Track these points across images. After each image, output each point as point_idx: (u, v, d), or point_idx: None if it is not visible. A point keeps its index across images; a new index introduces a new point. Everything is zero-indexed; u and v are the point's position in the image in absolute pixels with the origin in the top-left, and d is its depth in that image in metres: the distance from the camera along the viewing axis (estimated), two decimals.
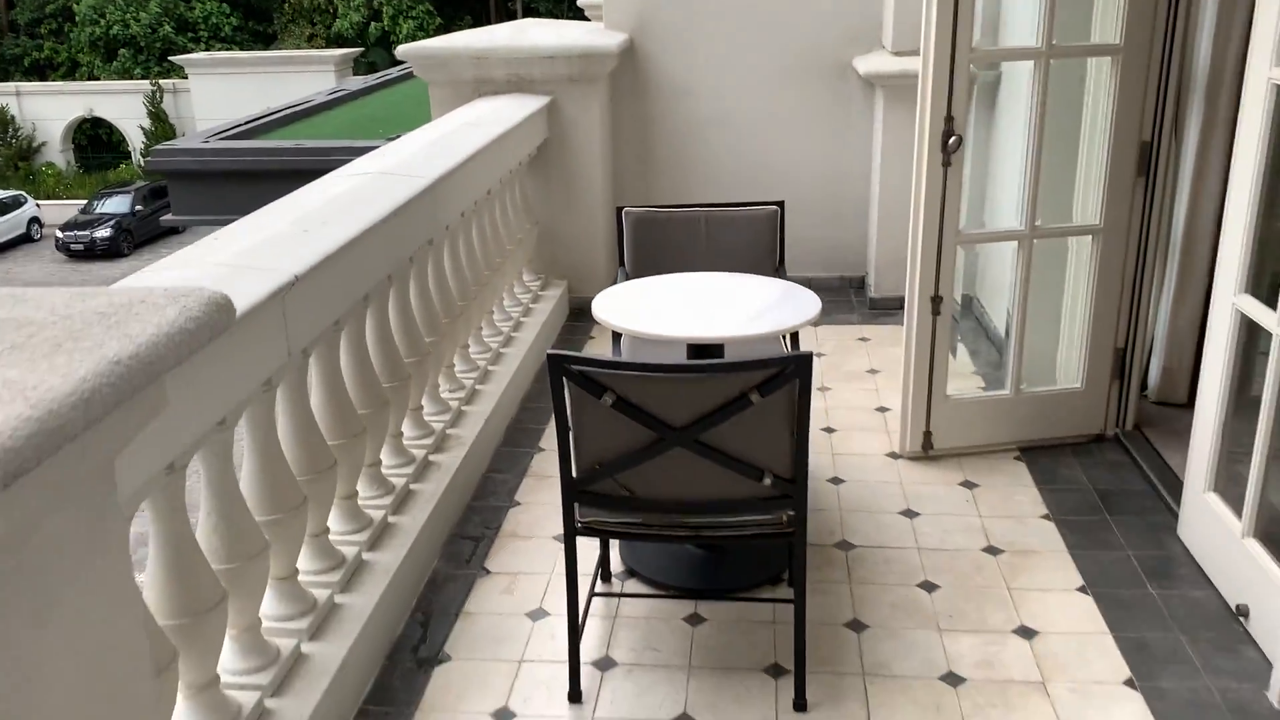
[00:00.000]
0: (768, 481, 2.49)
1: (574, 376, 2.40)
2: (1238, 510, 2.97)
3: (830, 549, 3.37)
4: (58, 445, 1.03)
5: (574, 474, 2.55)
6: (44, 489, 1.09)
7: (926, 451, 3.91)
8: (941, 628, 2.97)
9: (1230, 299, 2.98)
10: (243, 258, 2.56)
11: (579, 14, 11.20)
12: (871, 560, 3.31)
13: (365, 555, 3.05)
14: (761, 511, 2.55)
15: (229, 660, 2.45)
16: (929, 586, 3.16)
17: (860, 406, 4.42)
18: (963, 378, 4.46)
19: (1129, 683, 2.73)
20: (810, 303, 3.13)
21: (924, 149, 3.57)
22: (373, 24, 23.82)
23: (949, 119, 3.53)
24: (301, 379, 2.76)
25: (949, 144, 3.54)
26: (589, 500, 2.59)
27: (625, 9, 5.72)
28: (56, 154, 30.72)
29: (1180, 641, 2.88)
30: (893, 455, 3.97)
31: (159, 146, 12.67)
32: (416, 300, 3.64)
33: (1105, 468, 3.83)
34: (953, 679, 2.76)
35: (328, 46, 23.14)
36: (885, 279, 5.56)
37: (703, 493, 2.52)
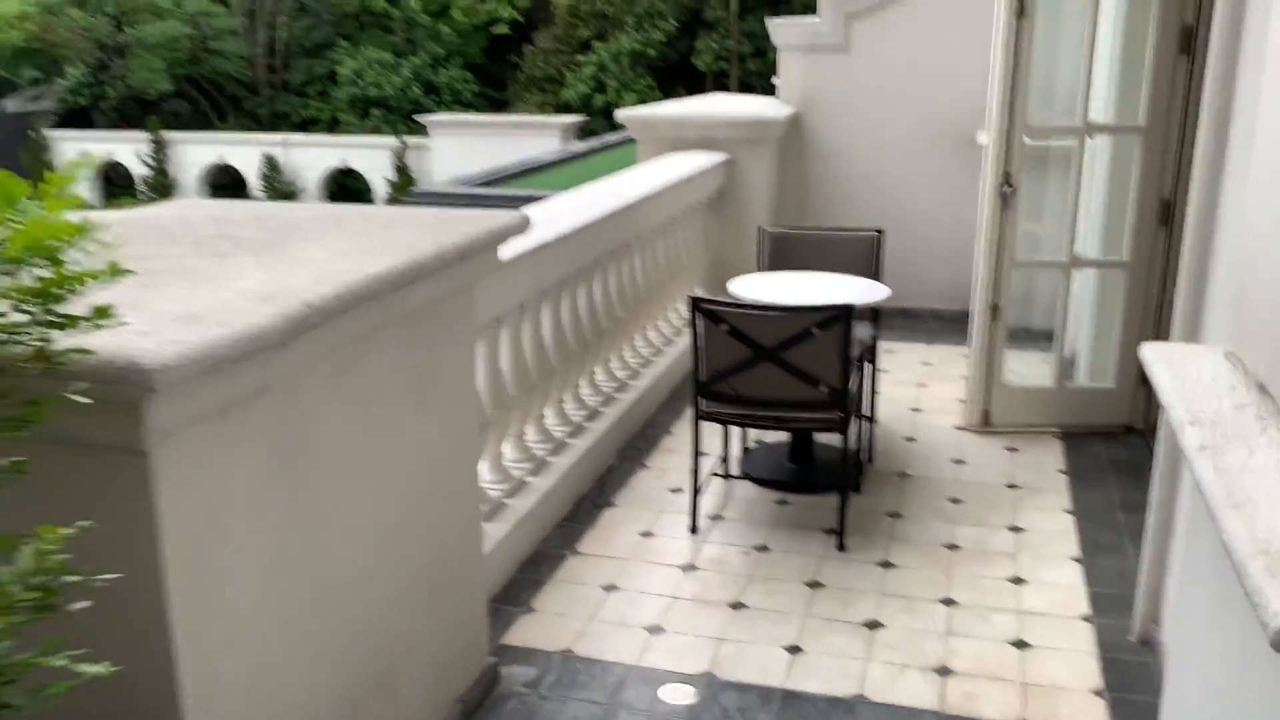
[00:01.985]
0: (824, 389, 3.87)
1: (703, 311, 3.87)
2: None
3: (892, 475, 4.68)
4: (470, 256, 2.59)
5: (701, 378, 4.01)
6: (464, 274, 2.66)
7: (985, 426, 5.14)
8: (955, 523, 4.23)
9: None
10: None
11: (771, 90, 12.75)
12: (919, 484, 4.59)
13: (567, 440, 4.60)
14: (820, 411, 3.93)
15: (484, 473, 4.02)
16: (955, 501, 4.42)
17: (946, 397, 5.67)
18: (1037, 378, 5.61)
19: (1076, 559, 3.93)
20: (880, 291, 4.49)
21: (987, 196, 4.88)
22: (596, 95, 26.36)
23: (1006, 174, 4.83)
24: (536, 316, 4.35)
25: (1004, 191, 4.84)
26: (709, 396, 4.04)
27: (795, 89, 7.26)
28: (313, 199, 35.00)
29: (1125, 543, 4.04)
30: (959, 428, 5.22)
31: (414, 190, 15.06)
32: (614, 284, 5.20)
33: (1124, 447, 4.96)
34: (951, 547, 4.03)
35: (555, 113, 25.65)
36: None
37: (782, 394, 3.92)
